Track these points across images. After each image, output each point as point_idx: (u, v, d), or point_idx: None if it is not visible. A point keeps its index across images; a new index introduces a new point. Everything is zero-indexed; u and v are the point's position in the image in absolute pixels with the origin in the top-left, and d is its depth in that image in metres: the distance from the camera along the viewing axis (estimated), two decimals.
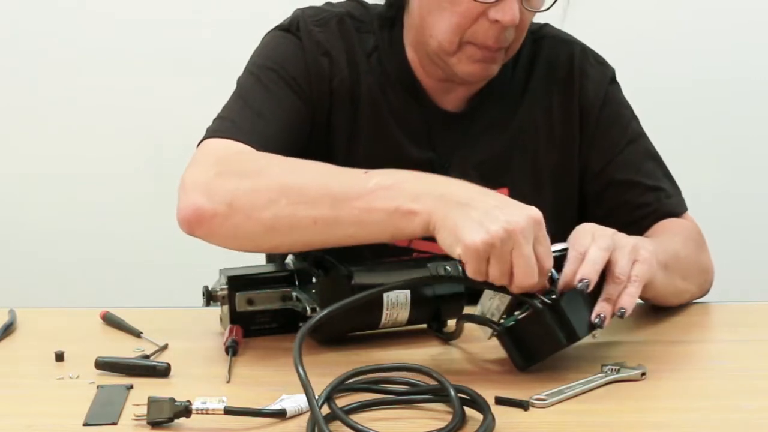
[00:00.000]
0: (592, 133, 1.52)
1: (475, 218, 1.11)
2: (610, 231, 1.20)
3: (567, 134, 1.51)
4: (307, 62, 1.43)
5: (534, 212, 1.13)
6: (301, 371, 1.03)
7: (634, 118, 1.56)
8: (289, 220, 1.20)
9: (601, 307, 1.16)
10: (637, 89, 1.61)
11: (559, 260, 1.19)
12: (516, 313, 1.17)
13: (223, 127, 1.37)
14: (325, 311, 1.16)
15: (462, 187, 1.18)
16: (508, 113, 1.50)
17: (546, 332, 1.14)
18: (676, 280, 1.36)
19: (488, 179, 1.47)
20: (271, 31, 1.49)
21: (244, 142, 1.33)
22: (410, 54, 1.47)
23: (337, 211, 1.18)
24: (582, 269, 1.15)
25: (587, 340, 1.18)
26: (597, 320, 1.16)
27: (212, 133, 1.36)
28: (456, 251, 1.12)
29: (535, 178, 1.51)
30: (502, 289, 1.15)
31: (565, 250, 1.20)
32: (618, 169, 1.52)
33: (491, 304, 1.19)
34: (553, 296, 1.15)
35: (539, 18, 1.48)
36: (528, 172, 1.50)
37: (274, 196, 1.21)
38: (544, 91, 1.51)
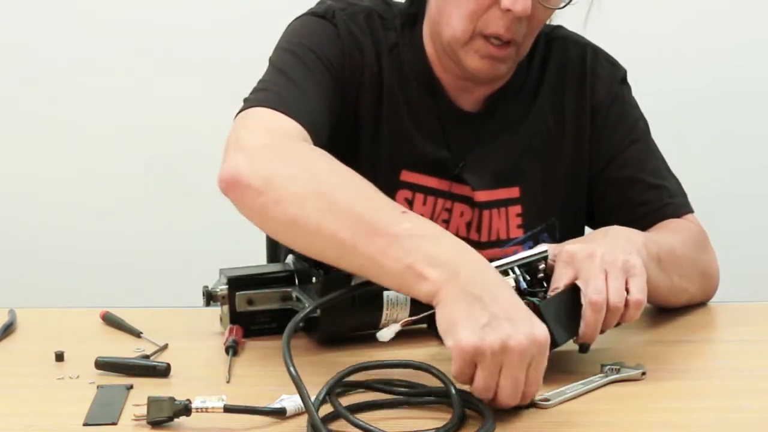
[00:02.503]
0: (600, 131, 1.52)
1: (478, 319, 1.03)
2: (618, 275, 1.17)
3: (578, 134, 1.52)
4: (343, 49, 1.44)
5: (540, 333, 1.04)
6: (292, 370, 1.03)
7: (642, 119, 1.56)
8: (310, 225, 1.15)
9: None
10: (644, 91, 1.61)
11: (537, 263, 1.19)
12: None
13: (269, 98, 1.33)
14: (312, 306, 1.17)
15: (480, 271, 1.09)
16: (521, 114, 1.51)
17: None
18: (673, 276, 1.36)
19: (501, 179, 1.48)
20: (302, 16, 1.48)
21: (291, 117, 1.30)
22: (429, 51, 1.48)
23: (356, 238, 1.12)
24: (585, 334, 1.15)
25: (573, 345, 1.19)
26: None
27: (257, 102, 1.32)
28: (448, 342, 1.05)
29: (546, 178, 1.51)
30: None
31: (545, 252, 1.20)
32: (621, 166, 1.52)
33: None
34: (538, 299, 1.15)
35: (560, 21, 1.50)
36: (540, 173, 1.51)
37: (306, 194, 1.16)
38: (556, 92, 1.52)
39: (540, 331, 1.04)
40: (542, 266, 1.20)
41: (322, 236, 1.14)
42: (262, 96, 1.34)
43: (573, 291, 1.16)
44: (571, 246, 1.19)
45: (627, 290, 1.17)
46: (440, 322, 1.06)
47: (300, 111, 1.31)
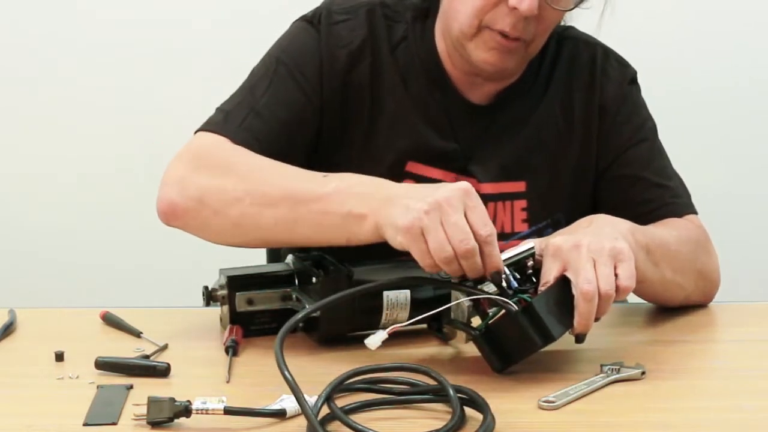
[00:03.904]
0: (608, 130, 1.53)
1: (404, 204, 1.16)
2: (606, 264, 1.18)
3: (586, 133, 1.52)
4: (321, 58, 1.45)
5: (463, 184, 1.15)
6: (287, 375, 1.03)
7: (650, 120, 1.57)
8: (252, 219, 1.27)
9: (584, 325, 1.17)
10: (646, 91, 1.61)
11: (525, 260, 1.19)
12: (490, 312, 1.17)
13: (216, 120, 1.42)
14: (307, 310, 1.17)
15: (404, 186, 1.24)
16: (530, 110, 1.51)
17: (521, 335, 1.14)
18: (665, 270, 1.35)
19: (507, 173, 1.49)
20: (296, 20, 1.51)
21: (229, 138, 1.38)
22: (440, 45, 1.49)
23: (295, 213, 1.24)
24: (579, 324, 1.16)
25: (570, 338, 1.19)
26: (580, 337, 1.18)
27: (205, 125, 1.42)
28: (397, 242, 1.16)
29: (552, 174, 1.52)
30: (480, 282, 1.16)
31: (532, 249, 1.20)
32: (626, 164, 1.52)
33: (458, 309, 1.20)
34: (528, 296, 1.15)
35: (571, 22, 1.51)
36: (546, 169, 1.51)
37: (239, 195, 1.28)
38: (565, 91, 1.53)
39: (462, 183, 1.16)
40: (530, 263, 1.20)
41: (266, 226, 1.27)
42: (211, 117, 1.43)
43: (563, 283, 1.16)
44: (556, 239, 1.20)
45: (616, 275, 1.17)
46: (390, 239, 1.17)
47: (240, 131, 1.39)
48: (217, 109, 1.44)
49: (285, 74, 1.44)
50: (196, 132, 1.41)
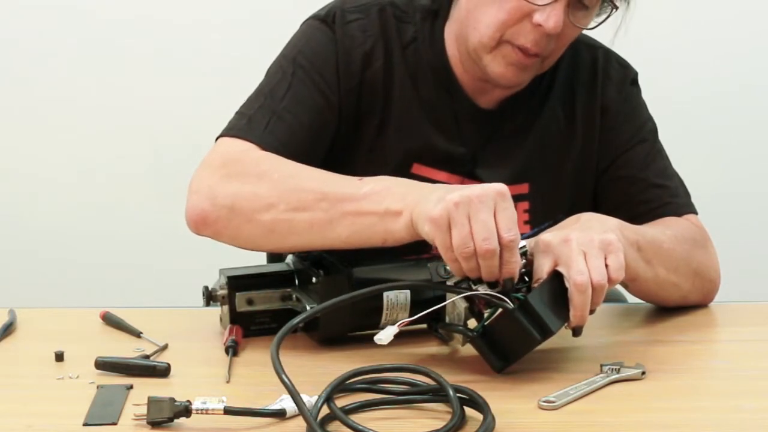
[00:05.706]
0: (608, 130, 1.54)
1: (437, 196, 1.16)
2: (595, 255, 1.18)
3: (588, 134, 1.53)
4: (338, 58, 1.45)
5: (498, 185, 1.15)
6: (285, 378, 1.03)
7: (651, 120, 1.57)
8: (286, 224, 1.26)
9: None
10: (650, 93, 1.61)
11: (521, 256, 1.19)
12: (486, 313, 1.17)
13: (239, 125, 1.40)
14: (305, 315, 1.16)
15: (441, 185, 1.25)
16: (535, 113, 1.52)
17: (519, 331, 1.14)
18: (657, 268, 1.35)
19: (512, 176, 1.49)
20: (308, 19, 1.50)
21: (255, 144, 1.37)
22: (451, 48, 1.48)
23: (330, 215, 1.24)
24: (575, 317, 1.16)
25: (575, 337, 1.19)
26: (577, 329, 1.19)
27: (228, 131, 1.40)
28: (425, 232, 1.16)
29: (555, 175, 1.52)
30: (477, 283, 1.16)
31: (524, 248, 1.20)
32: (625, 164, 1.53)
33: (454, 311, 1.20)
34: (521, 294, 1.15)
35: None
36: (549, 170, 1.52)
37: (273, 201, 1.27)
38: (567, 92, 1.53)
39: (497, 184, 1.15)
40: (523, 261, 1.20)
41: (301, 230, 1.26)
42: (234, 122, 1.42)
43: (556, 278, 1.17)
44: (545, 235, 1.20)
45: (606, 266, 1.18)
46: (421, 231, 1.17)
47: (265, 136, 1.38)
48: (237, 113, 1.43)
49: (303, 76, 1.44)
50: (218, 138, 1.40)
